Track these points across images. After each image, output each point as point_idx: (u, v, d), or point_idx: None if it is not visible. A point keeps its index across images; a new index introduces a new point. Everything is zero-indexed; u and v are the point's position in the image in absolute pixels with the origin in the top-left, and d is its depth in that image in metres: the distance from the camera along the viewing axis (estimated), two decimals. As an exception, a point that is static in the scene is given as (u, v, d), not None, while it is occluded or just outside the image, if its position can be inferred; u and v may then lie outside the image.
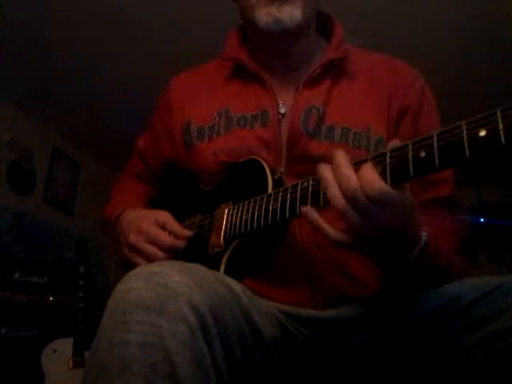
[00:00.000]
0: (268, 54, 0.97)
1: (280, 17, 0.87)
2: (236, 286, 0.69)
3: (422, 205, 0.87)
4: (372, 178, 0.59)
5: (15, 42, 2.48)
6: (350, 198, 0.60)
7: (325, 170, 0.64)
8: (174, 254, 0.86)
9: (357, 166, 0.63)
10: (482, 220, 3.55)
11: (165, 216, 0.90)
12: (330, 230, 0.65)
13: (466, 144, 0.54)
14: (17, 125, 3.12)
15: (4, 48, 2.50)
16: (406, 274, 0.73)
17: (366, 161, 0.62)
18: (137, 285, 0.57)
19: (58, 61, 2.66)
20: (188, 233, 0.88)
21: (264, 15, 0.88)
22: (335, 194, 0.62)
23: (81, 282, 2.39)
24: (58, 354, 2.18)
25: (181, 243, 0.86)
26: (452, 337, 0.69)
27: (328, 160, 0.83)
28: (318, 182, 0.68)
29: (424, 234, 0.68)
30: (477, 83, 2.71)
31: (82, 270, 2.42)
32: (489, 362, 0.65)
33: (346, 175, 0.61)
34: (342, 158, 0.63)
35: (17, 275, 2.45)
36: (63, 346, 2.20)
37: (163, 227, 0.88)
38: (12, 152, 3.08)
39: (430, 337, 0.72)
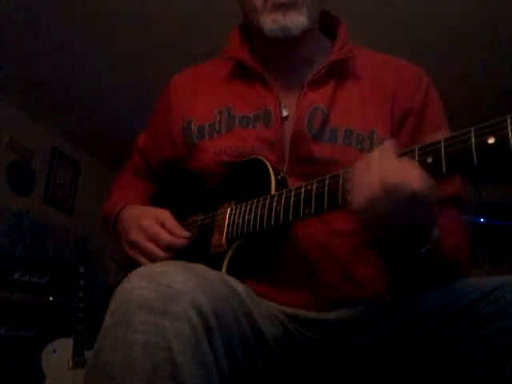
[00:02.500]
0: (271, 55, 0.96)
1: (286, 24, 0.86)
2: (238, 286, 0.69)
3: None
4: (416, 176, 0.56)
5: (15, 42, 2.48)
6: (389, 191, 0.57)
7: (368, 156, 0.62)
8: (173, 252, 0.86)
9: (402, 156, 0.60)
10: (482, 220, 3.55)
11: (164, 214, 0.90)
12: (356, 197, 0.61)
13: (475, 151, 0.53)
14: (17, 125, 3.12)
15: (4, 48, 2.50)
16: (411, 269, 0.73)
17: (412, 152, 0.60)
18: (140, 285, 0.57)
19: (58, 61, 2.66)
20: (186, 233, 0.88)
21: (269, 22, 0.87)
22: (373, 182, 0.59)
23: (81, 282, 2.39)
24: (57, 354, 2.18)
25: (180, 242, 0.86)
26: (453, 337, 0.69)
27: (331, 163, 0.83)
28: (323, 185, 0.68)
29: (436, 233, 0.69)
30: (478, 82, 2.71)
31: (82, 270, 2.42)
32: (490, 362, 0.65)
33: (390, 169, 0.58)
34: (390, 149, 0.61)
35: (17, 275, 2.45)
36: (63, 346, 2.20)
37: (163, 225, 0.88)
38: (12, 152, 3.08)
39: (431, 337, 0.72)
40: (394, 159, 0.59)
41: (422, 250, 0.69)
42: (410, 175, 0.57)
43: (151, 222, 0.88)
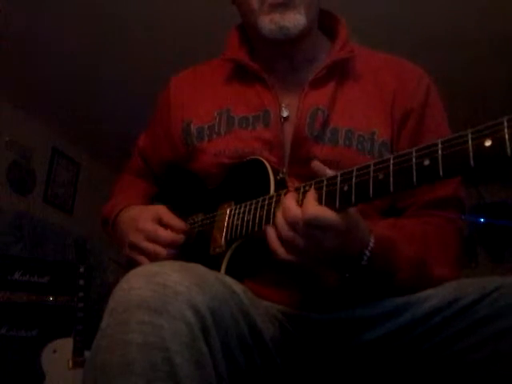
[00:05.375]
0: (270, 55, 0.96)
1: (284, 24, 0.86)
2: (237, 286, 0.69)
3: (426, 205, 0.87)
4: (307, 204, 0.66)
5: (15, 42, 2.48)
6: (291, 223, 0.67)
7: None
8: (174, 248, 0.86)
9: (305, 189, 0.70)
10: (482, 220, 3.55)
11: (161, 210, 0.90)
12: (280, 250, 0.69)
13: (471, 154, 0.53)
14: (17, 125, 3.12)
15: (4, 48, 2.50)
16: (363, 277, 0.74)
17: (310, 186, 0.69)
18: (137, 285, 0.57)
19: (58, 61, 2.66)
20: (184, 225, 0.88)
21: (267, 22, 0.87)
22: (280, 222, 0.69)
23: (81, 282, 2.39)
24: (58, 354, 2.18)
25: (179, 237, 0.86)
26: (452, 337, 0.69)
27: (332, 164, 0.83)
28: (321, 186, 0.68)
29: (371, 241, 0.70)
30: (476, 83, 2.71)
31: (81, 270, 2.43)
32: (489, 362, 0.65)
33: (287, 207, 0.68)
34: (288, 198, 0.70)
35: (17, 275, 2.45)
36: (63, 346, 2.21)
37: (160, 222, 0.88)
38: (12, 152, 3.08)
39: (430, 337, 0.72)
40: (291, 202, 0.69)
41: (364, 258, 0.70)
42: (303, 207, 0.66)
43: (148, 222, 0.88)
